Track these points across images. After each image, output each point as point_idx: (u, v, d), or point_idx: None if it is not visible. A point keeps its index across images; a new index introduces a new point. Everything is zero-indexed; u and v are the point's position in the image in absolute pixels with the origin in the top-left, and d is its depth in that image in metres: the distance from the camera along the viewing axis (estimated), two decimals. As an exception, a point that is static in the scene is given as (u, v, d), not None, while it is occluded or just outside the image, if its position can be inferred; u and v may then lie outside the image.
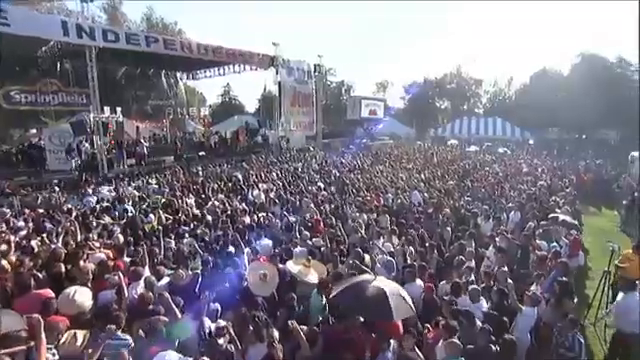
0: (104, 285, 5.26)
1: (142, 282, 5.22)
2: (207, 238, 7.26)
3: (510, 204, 10.58)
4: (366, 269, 5.47)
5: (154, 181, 13.47)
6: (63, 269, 5.38)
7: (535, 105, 38.48)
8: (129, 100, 24.10)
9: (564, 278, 5.50)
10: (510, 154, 26.39)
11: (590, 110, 31.96)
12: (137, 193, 11.39)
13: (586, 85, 33.39)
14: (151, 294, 4.73)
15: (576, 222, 9.05)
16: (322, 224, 8.07)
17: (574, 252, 7.09)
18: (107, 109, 20.46)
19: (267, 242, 7.01)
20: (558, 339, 4.54)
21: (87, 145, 17.21)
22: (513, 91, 51.85)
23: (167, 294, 4.54)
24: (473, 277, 6.08)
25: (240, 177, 13.50)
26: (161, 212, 8.75)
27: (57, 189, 12.46)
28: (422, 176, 14.65)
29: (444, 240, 7.90)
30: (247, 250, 6.42)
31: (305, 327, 4.13)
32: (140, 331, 4.17)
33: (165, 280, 5.47)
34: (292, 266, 5.53)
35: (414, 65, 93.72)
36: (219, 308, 4.81)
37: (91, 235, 7.40)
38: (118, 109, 21.22)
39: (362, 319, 4.27)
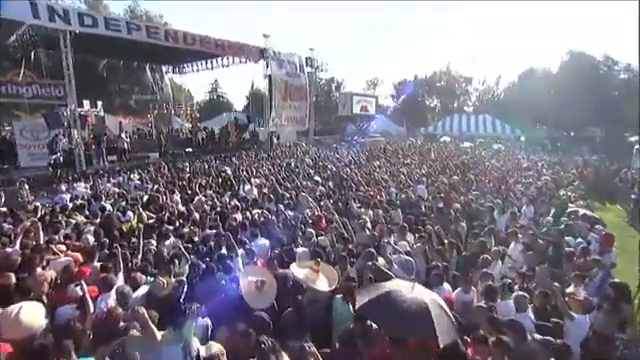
0: (66, 298, 4.25)
1: (113, 293, 4.22)
2: (195, 238, 6.25)
3: (522, 198, 9.88)
4: (389, 273, 4.56)
5: (136, 177, 12.32)
6: (14, 280, 4.31)
7: (524, 103, 38.41)
8: (112, 94, 22.78)
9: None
10: (505, 150, 25.90)
11: (578, 108, 31.94)
12: (117, 190, 10.26)
13: (574, 83, 33.38)
14: (120, 309, 3.74)
15: (597, 216, 8.37)
16: (324, 221, 7.14)
17: (606, 248, 6.33)
18: (87, 102, 19.25)
19: (264, 242, 6.05)
20: (625, 355, 3.72)
21: (64, 140, 15.88)
22: (502, 89, 51.91)
23: (143, 310, 3.55)
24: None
25: (230, 172, 12.46)
26: (141, 209, 7.68)
27: (26, 186, 11.23)
28: (422, 171, 13.88)
29: (460, 237, 7.07)
30: (241, 251, 5.45)
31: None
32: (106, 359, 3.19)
33: (143, 290, 4.47)
34: (297, 270, 4.56)
35: (404, 64, 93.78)
36: (210, 325, 3.85)
37: (57, 237, 6.32)
38: (99, 103, 19.99)
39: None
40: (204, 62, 23.57)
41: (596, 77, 34.50)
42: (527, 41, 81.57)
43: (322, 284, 4.43)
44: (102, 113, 19.99)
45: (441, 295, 4.34)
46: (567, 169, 16.40)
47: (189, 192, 9.73)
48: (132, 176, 12.36)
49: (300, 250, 5.64)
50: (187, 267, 4.98)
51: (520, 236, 6.70)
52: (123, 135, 17.18)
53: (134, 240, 6.12)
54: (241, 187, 9.78)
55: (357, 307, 3.49)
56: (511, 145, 30.90)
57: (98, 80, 22.18)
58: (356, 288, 4.24)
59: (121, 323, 3.67)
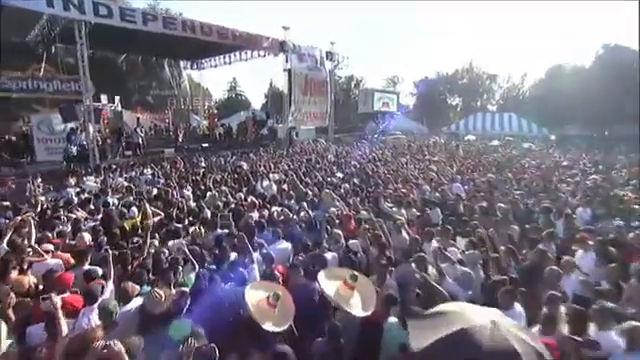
0: (41, 313, 3.39)
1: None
2: (197, 240, 5.35)
3: (574, 199, 8.59)
4: (440, 289, 3.51)
5: (149, 171, 11.62)
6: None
7: (552, 101, 36.28)
8: (130, 90, 22.33)
9: None
10: (536, 149, 24.17)
11: (612, 105, 29.78)
12: (126, 184, 9.53)
13: (610, 76, 31.17)
14: (100, 332, 2.82)
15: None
16: (353, 221, 6.11)
17: None
18: (104, 97, 18.85)
19: (285, 245, 5.08)
20: None
21: (82, 136, 15.40)
22: (527, 87, 49.56)
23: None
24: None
25: (246, 167, 11.61)
26: (148, 205, 6.83)
27: (39, 180, 10.68)
28: (453, 169, 12.66)
29: (514, 242, 5.92)
30: (257, 256, 4.50)
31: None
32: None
33: (135, 303, 3.57)
34: (325, 284, 3.52)
35: (425, 61, 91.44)
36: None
37: (51, 234, 5.54)
38: (116, 98, 19.56)
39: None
40: (222, 57, 22.93)
41: (635, 70, 32.09)
42: (554, 37, 78.17)
43: (357, 305, 3.38)
44: (120, 108, 19.56)
45: (513, 318, 3.28)
46: (612, 167, 14.80)
47: (202, 187, 8.88)
48: (145, 171, 11.64)
49: (329, 256, 4.64)
50: (193, 276, 4.04)
51: (591, 243, 5.51)
52: (138, 130, 16.60)
53: (137, 239, 5.26)
54: (259, 182, 8.85)
55: (414, 347, 2.44)
56: (541, 144, 29.00)
57: (117, 76, 21.83)
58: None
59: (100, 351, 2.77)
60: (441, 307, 2.79)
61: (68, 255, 4.77)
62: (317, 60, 21.66)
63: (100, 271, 4.08)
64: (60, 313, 2.97)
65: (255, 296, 3.31)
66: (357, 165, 12.86)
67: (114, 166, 12.82)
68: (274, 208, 6.82)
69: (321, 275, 3.64)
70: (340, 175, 10.54)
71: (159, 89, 23.46)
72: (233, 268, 4.01)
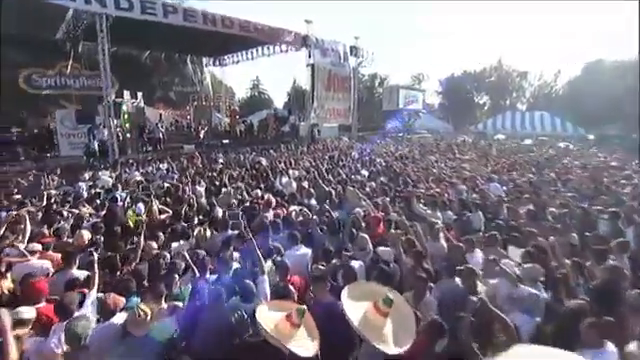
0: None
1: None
2: (204, 244, 4.67)
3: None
4: (508, 324, 2.64)
5: (165, 166, 11.17)
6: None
7: (589, 98, 33.91)
8: (153, 86, 22.24)
9: None
10: (574, 149, 22.40)
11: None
12: (139, 178, 9.06)
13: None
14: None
15: None
16: (382, 224, 5.27)
17: None
18: (127, 93, 18.73)
19: (303, 251, 4.30)
20: None
21: (105, 131, 15.22)
22: (560, 85, 46.84)
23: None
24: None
25: (265, 163, 10.95)
26: (155, 201, 6.24)
27: (57, 173, 10.46)
28: (487, 168, 11.55)
29: (577, 254, 4.91)
30: (269, 264, 3.76)
31: None
32: None
33: (118, 319, 2.88)
34: (350, 306, 2.70)
35: (452, 58, 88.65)
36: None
37: (48, 231, 5.02)
38: (139, 94, 19.43)
39: None
40: (244, 52, 22.49)
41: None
42: (588, 35, 73.95)
43: (389, 339, 2.54)
44: (142, 104, 19.40)
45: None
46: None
47: (217, 183, 8.25)
48: (161, 165, 11.20)
49: (355, 264, 3.84)
50: (190, 288, 3.34)
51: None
52: (159, 125, 16.32)
53: (135, 239, 4.65)
54: (277, 179, 8.12)
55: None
56: (579, 144, 26.99)
57: (140, 72, 21.73)
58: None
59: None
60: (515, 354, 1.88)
61: (59, 255, 4.20)
62: (341, 55, 20.82)
63: (84, 276, 3.44)
64: (9, 335, 2.31)
65: (270, 318, 2.55)
66: (383, 163, 11.96)
67: (131, 161, 12.48)
68: (292, 207, 6.07)
69: (344, 294, 2.81)
70: (365, 173, 9.69)
71: (181, 85, 23.27)
72: (237, 279, 3.27)
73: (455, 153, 16.03)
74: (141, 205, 6.15)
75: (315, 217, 5.33)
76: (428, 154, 14.69)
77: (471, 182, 8.90)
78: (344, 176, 8.84)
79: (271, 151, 15.28)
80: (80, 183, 8.45)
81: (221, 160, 12.90)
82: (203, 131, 18.68)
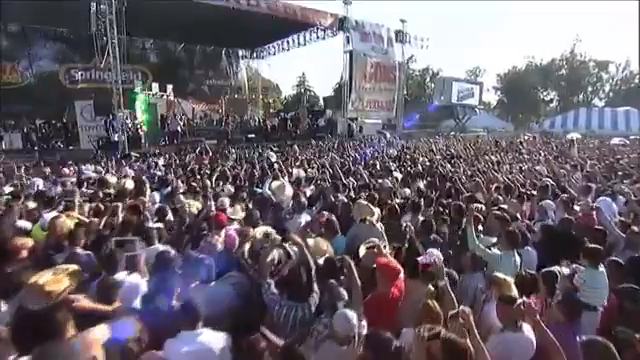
0: None
1: None
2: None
3: None
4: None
5: (161, 161, 9.36)
6: None
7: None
8: (185, 79, 21.10)
9: None
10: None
11: None
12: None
13: None
14: None
15: None
16: (399, 288, 2.61)
17: None
18: (155, 86, 17.60)
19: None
20: None
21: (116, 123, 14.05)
22: (649, 77, 39.13)
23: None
24: None
25: (274, 160, 8.64)
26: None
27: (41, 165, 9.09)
28: (574, 174, 8.14)
29: None
30: None
31: None
32: None
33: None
34: None
35: (514, 49, 79.59)
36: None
37: None
38: (169, 87, 18.23)
39: None
40: (280, 42, 20.56)
41: None
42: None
43: None
44: (172, 97, 18.21)
45: None
46: None
47: (193, 184, 6.07)
48: (157, 161, 9.40)
49: None
50: None
51: None
52: (177, 118, 14.84)
53: None
54: (267, 182, 5.68)
55: None
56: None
57: (174, 65, 20.72)
58: None
59: None
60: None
61: None
62: (384, 40, 17.91)
63: None
64: None
65: None
66: (426, 162, 9.07)
67: (136, 155, 10.91)
68: (259, 229, 3.60)
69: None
70: (398, 175, 6.92)
71: (215, 79, 21.91)
72: None
73: (522, 152, 12.53)
74: (50, 215, 4.09)
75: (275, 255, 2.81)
76: (486, 153, 11.37)
77: (554, 191, 5.76)
78: (367, 179, 6.16)
79: (295, 147, 12.99)
80: (36, 179, 6.74)
81: (234, 156, 10.87)
82: (230, 125, 16.96)
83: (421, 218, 4.37)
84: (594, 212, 4.28)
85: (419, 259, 3.07)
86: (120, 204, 4.34)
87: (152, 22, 16.02)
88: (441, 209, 4.85)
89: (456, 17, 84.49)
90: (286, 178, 6.56)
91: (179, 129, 14.40)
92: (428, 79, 43.53)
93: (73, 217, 4.22)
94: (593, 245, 3.03)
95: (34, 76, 18.55)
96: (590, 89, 43.39)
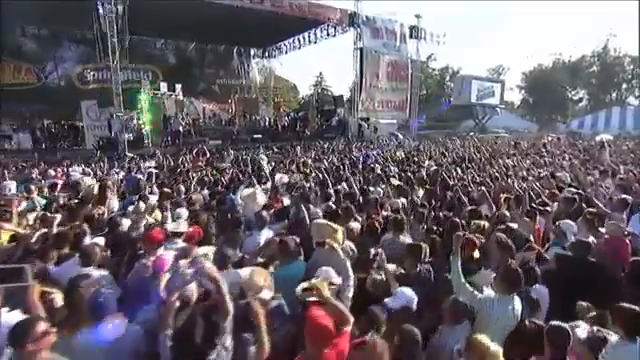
0: None
1: None
2: None
3: None
4: None
5: (152, 163, 8.91)
6: None
7: None
8: (196, 78, 20.84)
9: None
10: None
11: None
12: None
13: None
14: None
15: None
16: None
17: None
18: (164, 85, 17.34)
19: None
20: None
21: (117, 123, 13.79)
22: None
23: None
24: None
25: (265, 163, 8.01)
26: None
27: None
28: (606, 180, 7.04)
29: None
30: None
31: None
32: None
33: None
34: None
35: (540, 46, 75.58)
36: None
37: None
38: (178, 86, 17.92)
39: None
40: (290, 41, 20.01)
41: None
42: None
43: None
44: (181, 97, 17.93)
45: None
46: None
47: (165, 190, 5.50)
48: (141, 164, 8.97)
49: None
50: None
51: None
52: (179, 118, 14.49)
53: None
54: (239, 191, 5.00)
55: None
56: None
57: (185, 65, 20.49)
58: None
59: None
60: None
61: None
62: (397, 36, 16.96)
63: None
64: None
65: None
66: (432, 166, 8.18)
67: (132, 155, 10.55)
68: (202, 251, 2.93)
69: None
70: (396, 182, 6.10)
71: (226, 78, 21.54)
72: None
73: (544, 155, 11.33)
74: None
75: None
76: (501, 156, 10.28)
77: (581, 207, 4.81)
78: (356, 188, 5.39)
79: (297, 148, 12.34)
80: (6, 182, 6.34)
81: (231, 157, 10.34)
82: (237, 125, 16.50)
83: (407, 240, 3.60)
84: (628, 237, 3.34)
85: (385, 301, 2.33)
86: (58, 215, 3.80)
87: (163, 22, 15.82)
88: (438, 223, 4.07)
89: (476, 15, 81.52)
90: (269, 184, 5.91)
91: (181, 129, 14.01)
92: (448, 78, 41.84)
93: (7, 230, 3.72)
94: (631, 308, 2.05)
95: (59, 78, 18.69)
96: (625, 86, 40.51)
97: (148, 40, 19.96)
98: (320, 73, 45.48)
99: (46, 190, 6.12)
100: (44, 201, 5.33)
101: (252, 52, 22.71)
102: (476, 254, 3.05)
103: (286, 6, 13.62)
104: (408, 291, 2.37)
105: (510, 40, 76.72)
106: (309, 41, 18.82)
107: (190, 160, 9.93)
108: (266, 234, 3.62)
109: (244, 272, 2.55)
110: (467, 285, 2.35)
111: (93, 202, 4.82)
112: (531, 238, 3.67)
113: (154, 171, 8.38)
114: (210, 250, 3.12)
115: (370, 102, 16.74)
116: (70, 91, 18.16)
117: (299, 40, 19.69)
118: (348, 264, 2.48)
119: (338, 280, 2.40)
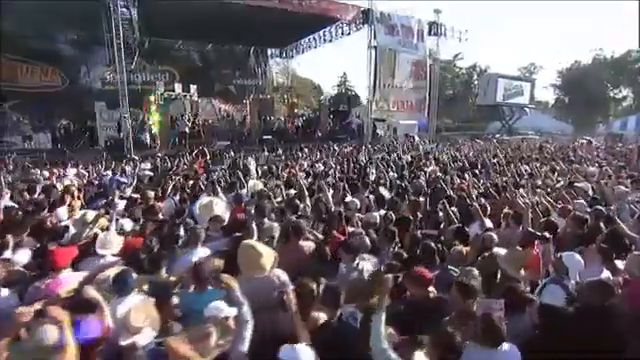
0: None
1: None
2: None
3: None
4: None
5: (148, 165, 8.73)
6: None
7: None
8: (212, 79, 20.83)
9: None
10: None
11: None
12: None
13: None
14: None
15: None
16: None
17: None
18: (178, 86, 17.43)
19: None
20: None
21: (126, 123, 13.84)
22: None
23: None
24: None
25: (252, 167, 7.57)
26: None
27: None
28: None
29: None
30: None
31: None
32: None
33: None
34: None
35: (578, 42, 70.65)
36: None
37: None
38: (192, 87, 17.95)
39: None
40: (306, 40, 19.63)
41: None
42: None
43: None
44: (196, 98, 17.92)
45: None
46: None
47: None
48: (142, 165, 8.78)
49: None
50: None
51: None
52: (185, 119, 14.42)
53: None
54: (196, 203, 4.52)
55: None
56: None
57: (201, 65, 20.55)
58: None
59: None
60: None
61: None
62: (414, 34, 16.04)
63: None
64: None
65: None
66: (437, 173, 7.39)
67: (136, 157, 10.46)
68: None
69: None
70: (386, 193, 5.43)
71: (242, 78, 21.40)
72: None
73: (572, 160, 10.15)
74: None
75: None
76: (519, 162, 9.21)
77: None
78: (329, 198, 4.78)
79: (306, 150, 11.86)
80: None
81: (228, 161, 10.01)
82: (248, 126, 16.26)
83: (368, 266, 3.00)
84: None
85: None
86: None
87: (181, 23, 15.81)
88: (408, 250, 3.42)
89: (504, 12, 77.43)
90: (244, 191, 5.44)
91: (187, 130, 13.91)
92: (475, 77, 39.86)
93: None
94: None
95: (90, 80, 19.18)
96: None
97: (164, 41, 20.11)
98: (344, 73, 44.82)
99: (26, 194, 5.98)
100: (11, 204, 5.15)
101: (270, 52, 22.48)
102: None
103: (295, 4, 13.15)
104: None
105: (543, 38, 72.33)
106: (324, 40, 18.29)
107: (189, 162, 9.73)
108: (202, 252, 3.13)
109: (123, 308, 2.08)
110: (390, 352, 1.71)
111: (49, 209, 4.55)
112: (520, 273, 2.95)
113: (149, 173, 8.21)
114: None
115: (384, 102, 15.95)
116: (91, 93, 18.58)
117: (314, 39, 19.20)
118: (244, 308, 1.93)
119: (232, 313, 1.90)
